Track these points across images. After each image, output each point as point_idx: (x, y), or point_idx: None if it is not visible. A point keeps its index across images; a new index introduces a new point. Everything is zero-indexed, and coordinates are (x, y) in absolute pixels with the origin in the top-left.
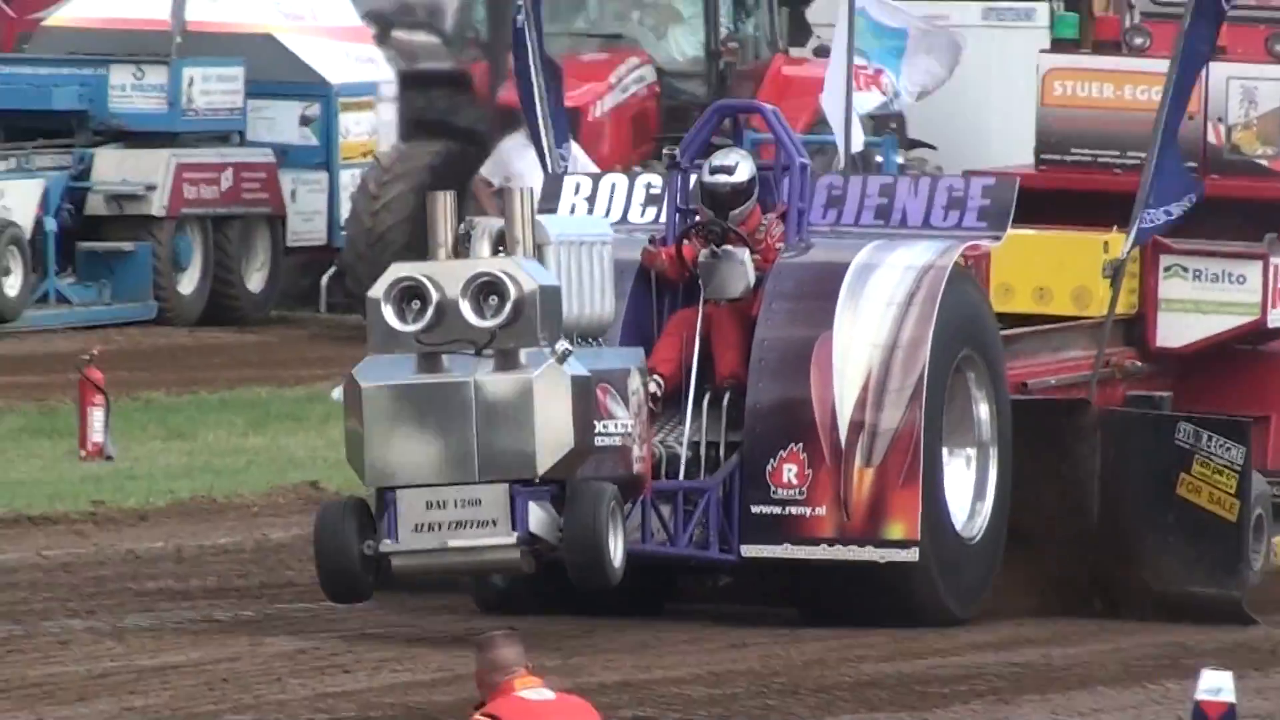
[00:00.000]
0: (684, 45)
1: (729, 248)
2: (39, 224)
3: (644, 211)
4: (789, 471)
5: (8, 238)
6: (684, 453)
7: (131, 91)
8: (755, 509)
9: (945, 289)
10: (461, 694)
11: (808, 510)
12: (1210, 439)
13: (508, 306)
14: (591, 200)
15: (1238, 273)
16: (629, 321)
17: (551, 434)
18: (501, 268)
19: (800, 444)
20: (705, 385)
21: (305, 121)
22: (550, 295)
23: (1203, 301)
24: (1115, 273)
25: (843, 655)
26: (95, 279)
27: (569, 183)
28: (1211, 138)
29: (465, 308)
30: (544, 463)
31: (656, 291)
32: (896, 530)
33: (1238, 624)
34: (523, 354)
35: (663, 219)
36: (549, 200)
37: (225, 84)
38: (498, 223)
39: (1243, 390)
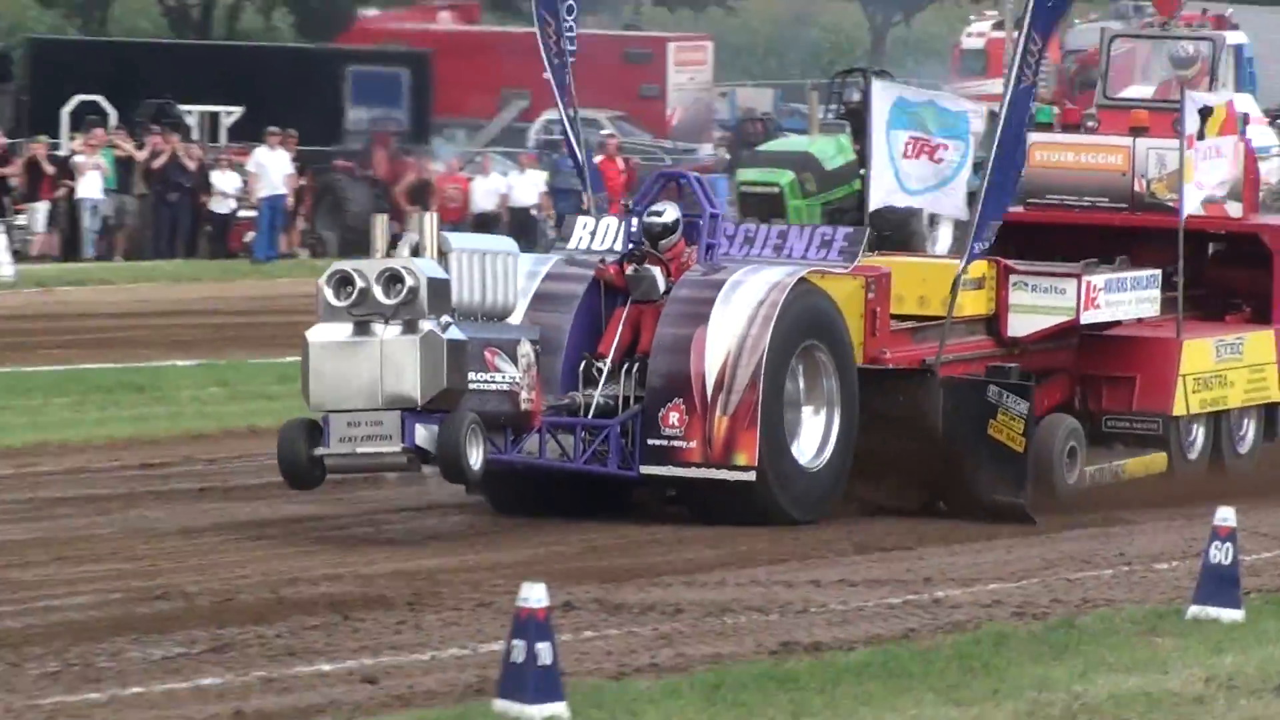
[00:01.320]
0: None
1: (647, 266)
2: None
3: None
4: (673, 417)
5: None
6: (599, 401)
7: None
8: (650, 441)
9: (790, 298)
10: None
11: (684, 444)
12: (1006, 395)
13: (404, 290)
14: (594, 234)
15: (1060, 286)
16: (584, 314)
17: (429, 376)
18: (403, 264)
19: (680, 399)
20: (631, 359)
21: None
22: (438, 285)
23: (1037, 305)
24: (953, 285)
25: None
26: None
27: (580, 221)
28: (1137, 187)
29: (377, 290)
30: (423, 396)
31: (607, 296)
32: (741, 459)
33: (1023, 523)
34: (416, 323)
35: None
36: (567, 232)
37: None
38: (416, 236)
39: (1120, 358)
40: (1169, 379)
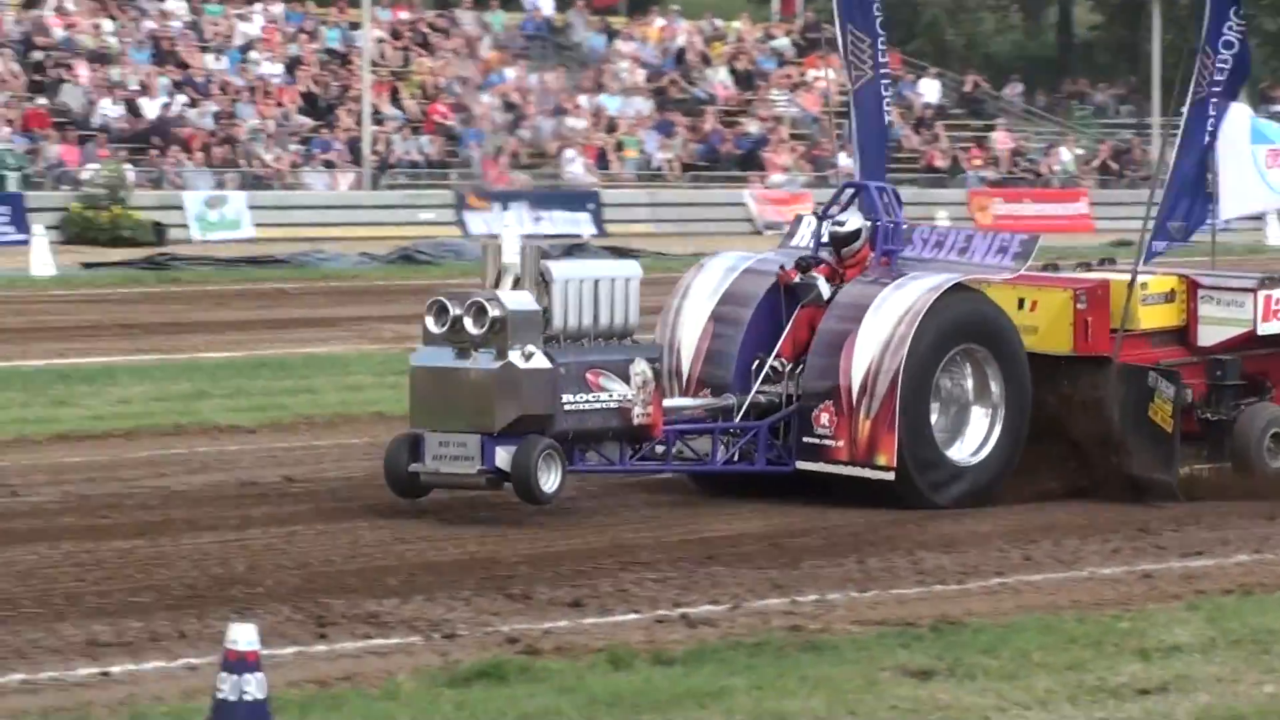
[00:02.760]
0: None
1: (813, 273)
2: None
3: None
4: (824, 417)
5: None
6: (763, 400)
7: None
8: (805, 439)
9: (942, 302)
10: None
11: (833, 443)
12: (1161, 382)
13: (488, 321)
14: (816, 232)
15: (1239, 300)
16: (764, 314)
17: (503, 404)
18: (489, 297)
19: (831, 400)
20: (799, 360)
21: None
22: (526, 316)
23: (1221, 318)
24: (1129, 290)
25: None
26: None
27: (806, 221)
28: None
29: (466, 321)
30: (498, 423)
31: (788, 298)
32: (881, 459)
33: (1170, 500)
34: (499, 353)
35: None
36: (794, 230)
37: None
38: (518, 268)
39: None
40: None
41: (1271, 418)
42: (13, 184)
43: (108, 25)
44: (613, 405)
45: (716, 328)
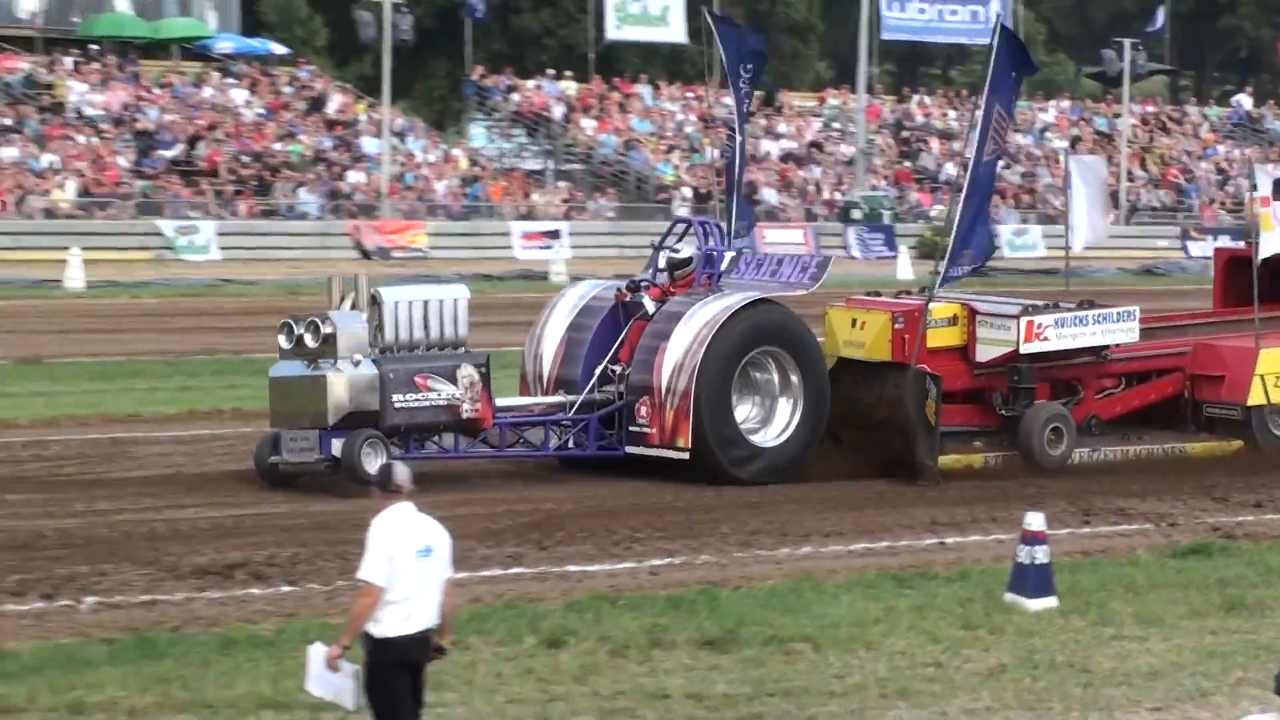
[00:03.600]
0: None
1: (640, 294)
2: None
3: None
4: (643, 410)
5: None
6: (598, 398)
7: None
8: (630, 428)
9: (742, 314)
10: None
11: (648, 430)
12: (931, 382)
13: (321, 337)
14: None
15: (1006, 325)
16: (607, 328)
17: (334, 403)
18: (323, 316)
19: (647, 397)
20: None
21: None
22: (351, 331)
23: (993, 339)
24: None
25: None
26: None
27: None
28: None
29: (306, 337)
30: (331, 418)
31: (625, 313)
32: (680, 442)
33: (931, 481)
34: (330, 363)
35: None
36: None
37: None
38: (354, 291)
39: (1215, 361)
40: (1246, 377)
41: (1051, 414)
42: (886, 218)
43: (952, 113)
44: (441, 403)
45: (570, 339)
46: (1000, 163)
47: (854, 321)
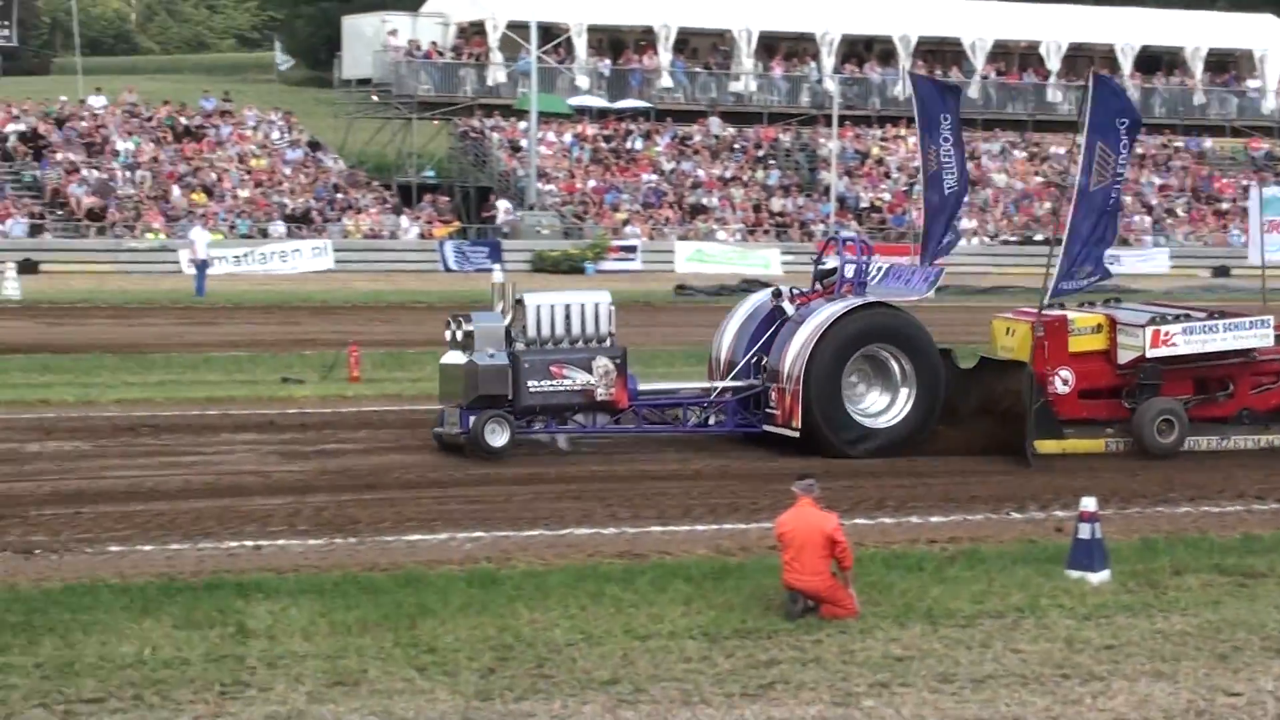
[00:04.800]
0: None
1: (783, 299)
2: None
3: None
4: (774, 395)
5: None
6: (746, 384)
7: None
8: (766, 409)
9: (853, 315)
10: None
11: (776, 411)
12: (1032, 380)
13: (465, 332)
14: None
15: (1135, 333)
16: (762, 327)
17: (468, 388)
18: (466, 316)
19: (777, 384)
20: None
21: None
22: (492, 330)
23: (1127, 344)
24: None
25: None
26: None
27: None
28: None
29: (457, 334)
30: (465, 399)
31: (776, 316)
32: (794, 423)
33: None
34: (476, 353)
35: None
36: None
37: None
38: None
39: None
40: None
41: (1162, 408)
42: None
43: None
44: (576, 388)
45: (739, 335)
46: (1115, 192)
47: (1007, 330)
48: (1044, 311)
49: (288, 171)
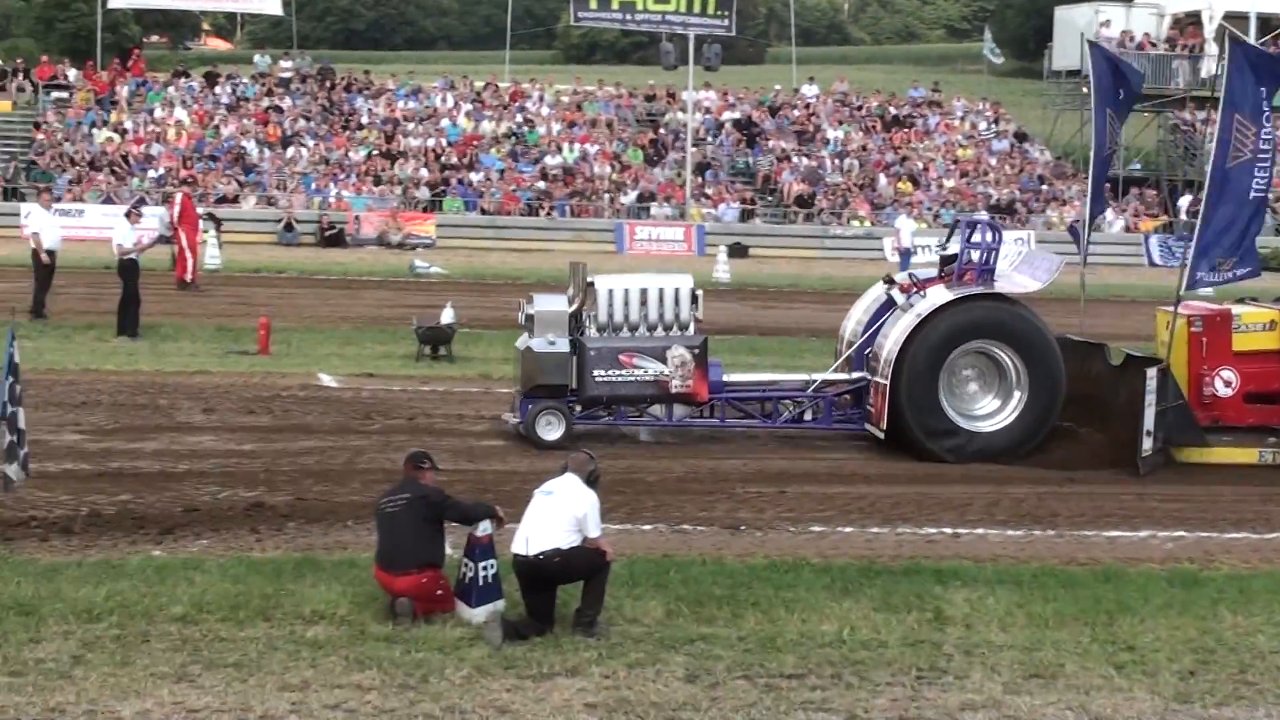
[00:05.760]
0: None
1: (893, 288)
2: None
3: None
4: (873, 395)
5: None
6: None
7: None
8: (866, 407)
9: (956, 306)
10: None
11: (872, 409)
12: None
13: (526, 317)
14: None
15: None
16: (877, 318)
17: (526, 375)
18: (530, 300)
19: (873, 379)
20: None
21: None
22: (553, 315)
23: None
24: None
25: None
26: None
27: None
28: None
29: (524, 319)
30: (523, 387)
31: (889, 306)
32: (883, 424)
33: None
34: (538, 338)
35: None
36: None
37: None
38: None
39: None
40: None
41: None
42: None
43: None
44: (648, 379)
45: (859, 325)
46: (1261, 171)
47: (1167, 324)
48: (1209, 305)
49: (993, 162)
